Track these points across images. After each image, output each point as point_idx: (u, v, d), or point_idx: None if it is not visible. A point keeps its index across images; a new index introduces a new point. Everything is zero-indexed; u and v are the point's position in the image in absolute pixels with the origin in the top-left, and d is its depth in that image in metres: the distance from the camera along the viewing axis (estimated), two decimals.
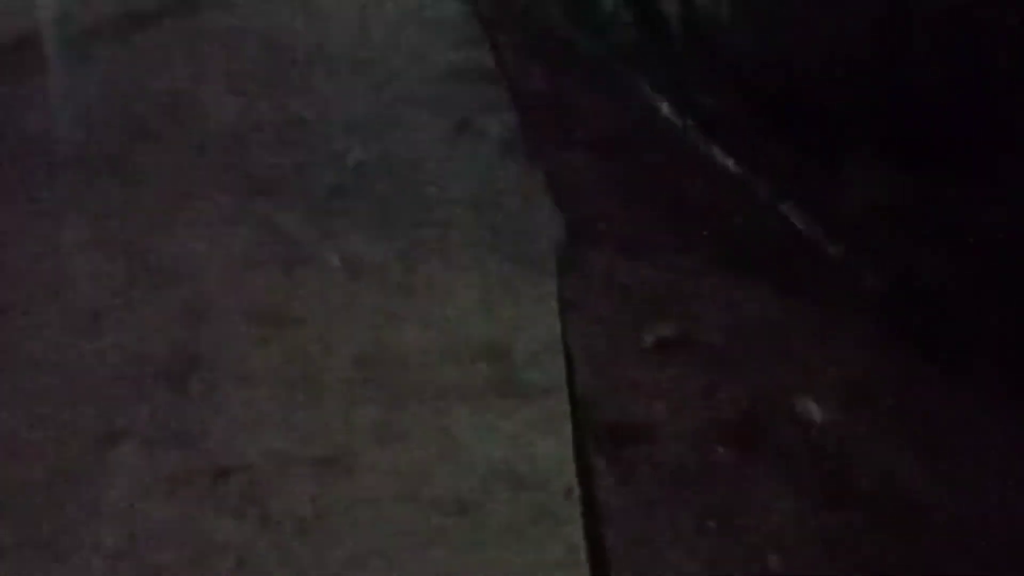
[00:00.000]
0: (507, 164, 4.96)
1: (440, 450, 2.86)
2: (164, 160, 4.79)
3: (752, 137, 4.73)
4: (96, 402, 3.02)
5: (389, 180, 4.69)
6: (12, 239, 3.97)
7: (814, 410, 3.14)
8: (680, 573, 2.53)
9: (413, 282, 3.77)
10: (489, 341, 3.40)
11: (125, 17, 7.12)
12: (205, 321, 3.46)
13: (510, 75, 6.33)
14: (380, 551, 2.50)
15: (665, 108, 5.62)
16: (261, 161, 4.82)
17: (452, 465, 2.81)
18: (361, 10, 7.69)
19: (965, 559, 2.60)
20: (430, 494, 2.69)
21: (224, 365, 3.23)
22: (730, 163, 4.87)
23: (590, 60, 6.55)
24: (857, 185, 3.91)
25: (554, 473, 2.78)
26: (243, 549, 2.49)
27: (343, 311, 3.57)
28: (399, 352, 3.33)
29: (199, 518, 2.59)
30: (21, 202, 4.29)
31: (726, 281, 3.91)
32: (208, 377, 3.16)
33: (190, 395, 3.08)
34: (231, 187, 4.51)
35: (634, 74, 6.07)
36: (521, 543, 2.54)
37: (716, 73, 5.27)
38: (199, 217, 4.21)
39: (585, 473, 2.81)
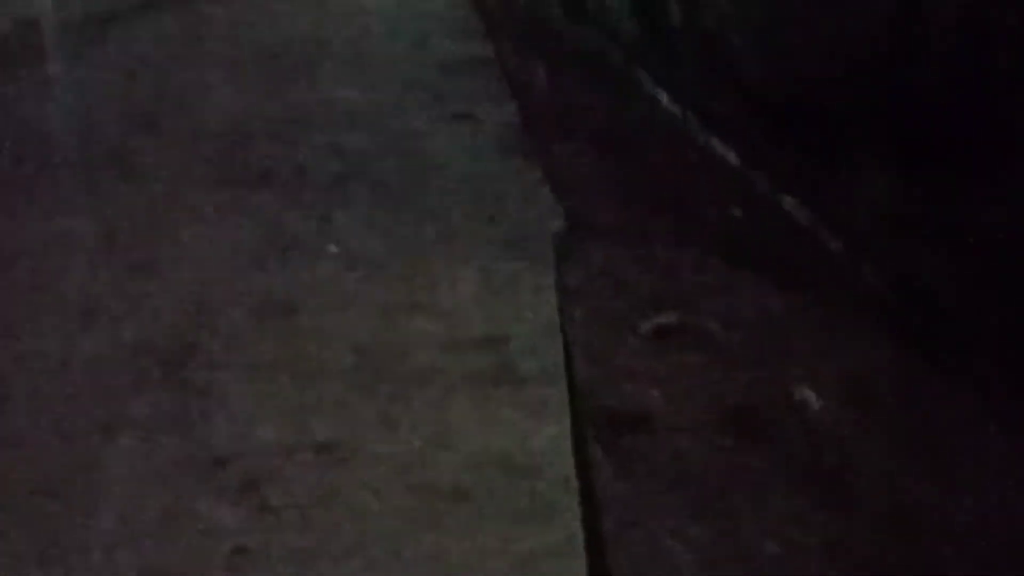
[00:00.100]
0: (506, 155, 4.96)
1: (438, 439, 2.87)
2: (163, 151, 4.80)
3: (753, 131, 4.73)
4: (95, 392, 3.03)
5: (388, 171, 4.70)
6: (10, 232, 3.98)
7: (813, 401, 3.14)
8: (677, 562, 2.53)
9: (412, 272, 3.78)
10: (488, 331, 3.41)
11: (124, 8, 7.13)
12: (204, 312, 3.46)
13: (510, 67, 6.33)
14: (378, 539, 2.50)
15: (665, 101, 5.62)
16: (260, 153, 4.83)
17: (450, 454, 2.81)
18: (362, 3, 7.69)
19: (963, 557, 2.59)
20: (428, 482, 2.69)
21: (223, 355, 3.24)
22: (730, 156, 4.87)
23: (590, 53, 6.55)
24: (858, 183, 3.91)
25: (552, 462, 2.78)
26: (242, 537, 2.50)
27: (342, 301, 3.57)
28: (398, 342, 3.33)
29: (198, 507, 2.59)
30: (19, 194, 4.30)
31: (725, 273, 3.91)
32: (207, 367, 3.17)
33: (189, 385, 3.08)
34: (230, 178, 4.52)
35: (634, 67, 6.07)
36: (519, 531, 2.54)
37: (717, 68, 5.26)
38: (198, 208, 4.22)
39: (583, 462, 2.81)
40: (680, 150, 5.11)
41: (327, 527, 2.53)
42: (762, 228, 4.24)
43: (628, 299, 3.66)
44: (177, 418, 2.92)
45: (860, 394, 3.20)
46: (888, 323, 3.52)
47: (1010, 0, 3.18)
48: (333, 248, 3.90)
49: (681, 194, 4.60)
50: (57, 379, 3.09)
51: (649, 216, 4.41)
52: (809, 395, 3.16)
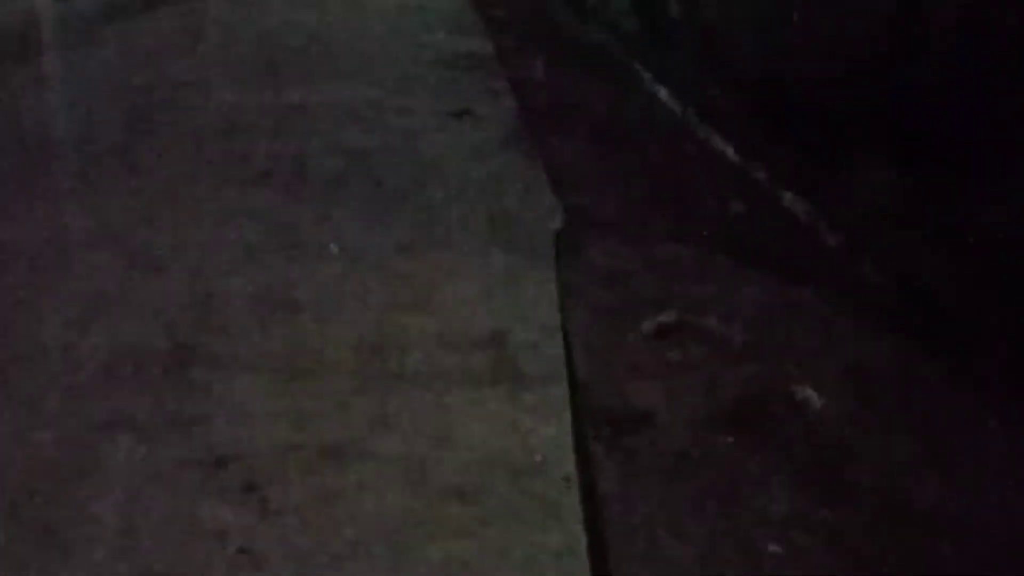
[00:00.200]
0: (507, 152, 4.97)
1: (440, 437, 2.86)
2: (164, 149, 4.80)
3: (752, 127, 4.73)
4: (96, 392, 3.02)
5: (388, 168, 4.70)
6: (12, 229, 3.98)
7: (813, 398, 3.14)
8: (678, 560, 2.53)
9: (412, 270, 3.78)
10: (488, 329, 3.41)
11: (124, 6, 7.12)
12: (205, 309, 3.46)
13: (510, 64, 6.34)
14: (379, 539, 2.50)
15: (665, 97, 5.62)
16: (261, 150, 4.83)
17: (452, 452, 2.81)
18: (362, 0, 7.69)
19: (963, 554, 2.60)
20: (430, 481, 2.69)
21: (224, 353, 3.24)
22: (730, 151, 4.87)
23: (590, 49, 6.55)
24: (858, 180, 3.91)
25: (553, 460, 2.79)
26: (244, 537, 2.49)
27: (343, 299, 3.57)
28: (399, 340, 3.33)
29: (200, 506, 2.59)
30: (22, 191, 4.30)
31: (726, 269, 3.91)
32: (208, 365, 3.17)
33: (190, 384, 3.08)
34: (231, 175, 4.52)
35: (634, 63, 6.08)
36: (520, 530, 2.54)
37: (717, 63, 5.26)
38: (199, 205, 4.22)
39: (584, 460, 2.81)
40: (680, 146, 5.12)
41: (328, 527, 2.53)
42: (762, 224, 4.25)
43: (628, 297, 3.66)
44: (178, 418, 2.91)
45: (861, 391, 3.20)
46: (888, 320, 3.52)
47: (1010, 0, 3.18)
48: (333, 247, 3.90)
49: (681, 190, 4.61)
50: (58, 378, 3.08)
51: (649, 213, 4.41)
52: (810, 393, 3.16)
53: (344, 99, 5.58)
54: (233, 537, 2.49)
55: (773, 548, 2.57)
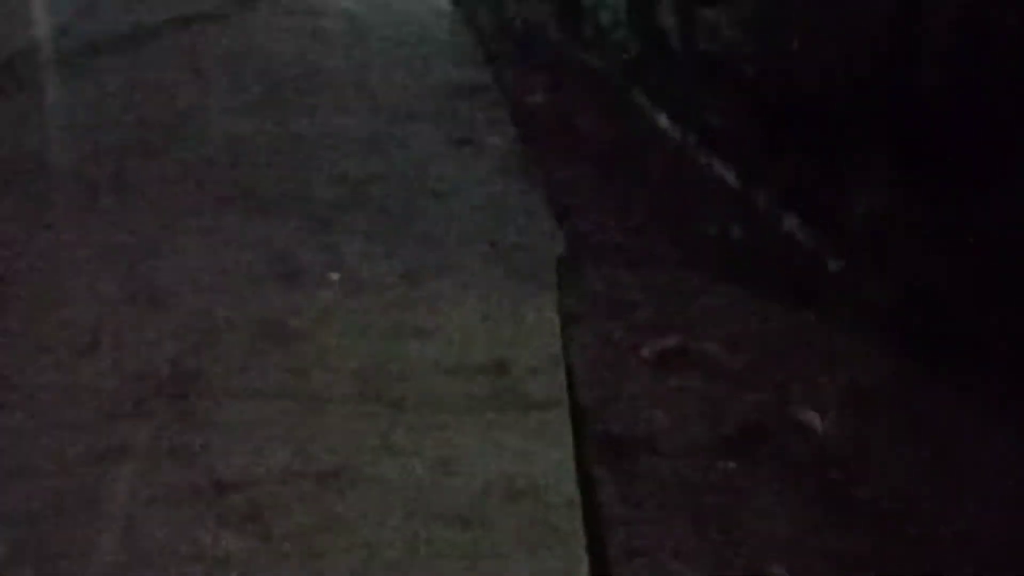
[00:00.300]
0: (507, 179, 4.97)
1: (442, 464, 2.86)
2: (164, 177, 4.80)
3: (753, 149, 4.73)
4: (97, 420, 3.01)
5: (389, 196, 4.70)
6: (12, 257, 3.97)
7: (816, 421, 3.13)
8: None
9: (414, 297, 3.78)
10: (490, 355, 3.40)
11: (125, 35, 7.15)
12: (206, 338, 3.46)
13: (509, 91, 6.35)
14: (382, 566, 2.50)
15: (665, 122, 5.63)
16: (261, 178, 4.84)
17: (454, 479, 2.80)
18: (361, 29, 7.71)
19: (970, 572, 2.59)
20: (432, 508, 2.68)
21: (225, 381, 3.23)
22: (730, 175, 4.87)
23: (589, 74, 6.56)
24: (859, 197, 3.91)
25: (556, 485, 2.78)
26: (245, 565, 2.49)
27: (344, 327, 3.57)
28: (400, 367, 3.33)
29: (200, 534, 2.58)
30: (21, 220, 4.30)
31: (728, 293, 3.91)
32: (209, 393, 3.16)
33: (191, 411, 3.07)
34: (231, 204, 4.52)
35: (634, 89, 6.08)
36: (523, 556, 2.54)
37: (716, 85, 5.27)
38: (199, 234, 4.22)
39: (587, 485, 2.81)
40: (680, 171, 5.12)
41: (330, 555, 2.52)
42: (763, 249, 4.24)
43: (630, 322, 3.66)
44: (179, 446, 2.90)
45: (863, 413, 3.19)
46: (890, 341, 3.51)
47: (1010, 0, 3.18)
48: (334, 274, 3.90)
49: (682, 215, 4.61)
50: (58, 407, 3.07)
51: (650, 238, 4.41)
52: (812, 415, 3.15)
53: (345, 128, 5.59)
54: (234, 565, 2.48)
55: (776, 570, 2.56)
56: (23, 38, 6.85)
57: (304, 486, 2.75)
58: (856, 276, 3.85)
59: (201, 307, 3.65)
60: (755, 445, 3.02)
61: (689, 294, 3.91)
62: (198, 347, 3.40)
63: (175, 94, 5.98)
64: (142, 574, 2.46)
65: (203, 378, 3.24)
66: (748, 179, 4.71)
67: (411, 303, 3.73)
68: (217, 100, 5.89)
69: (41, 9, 7.45)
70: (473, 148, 5.37)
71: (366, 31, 7.63)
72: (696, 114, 5.32)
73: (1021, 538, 2.70)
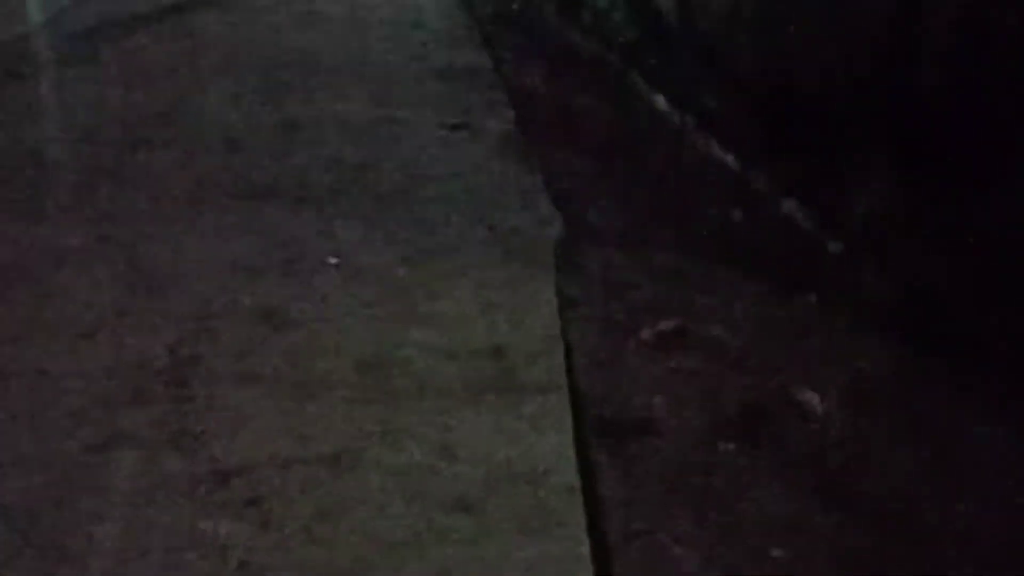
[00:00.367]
0: (505, 163, 4.97)
1: (441, 449, 2.86)
2: (161, 165, 4.80)
3: (752, 134, 4.73)
4: (96, 407, 3.02)
5: (387, 182, 4.70)
6: (9, 247, 3.97)
7: (815, 405, 3.14)
8: (682, 568, 2.52)
9: (412, 282, 3.78)
10: (489, 340, 3.41)
11: (120, 22, 7.13)
12: (204, 324, 3.46)
13: (507, 75, 6.34)
14: (382, 552, 2.50)
15: (663, 105, 5.62)
16: (258, 164, 4.83)
17: (453, 464, 2.81)
18: (358, 13, 7.70)
19: (966, 559, 2.59)
20: (432, 493, 2.69)
21: (224, 368, 3.23)
22: (729, 160, 4.87)
23: (587, 59, 6.55)
24: (859, 184, 3.91)
25: (555, 470, 2.78)
26: (246, 551, 2.49)
27: (343, 312, 3.57)
28: (399, 353, 3.33)
29: (201, 521, 2.58)
30: (17, 210, 4.29)
31: (726, 277, 3.91)
32: (208, 380, 3.16)
33: (190, 398, 3.07)
34: (229, 191, 4.52)
35: (632, 72, 6.07)
36: (524, 540, 2.54)
37: (714, 70, 5.26)
38: (197, 221, 4.22)
39: (586, 469, 2.81)
40: (679, 155, 5.11)
41: (330, 540, 2.53)
42: (763, 232, 4.24)
43: (629, 305, 3.66)
44: (179, 434, 2.91)
45: (863, 397, 3.20)
46: (890, 325, 3.51)
47: (1010, 0, 3.18)
48: (333, 260, 3.90)
49: (681, 198, 4.61)
50: (58, 395, 3.08)
51: (649, 221, 4.41)
52: (812, 398, 3.16)
53: (343, 113, 5.58)
54: (234, 552, 2.49)
55: (776, 553, 2.56)
56: (17, 27, 6.83)
57: (304, 472, 2.76)
58: (855, 262, 3.85)
59: (200, 294, 3.65)
60: (755, 428, 3.03)
61: (688, 277, 3.91)
62: (197, 334, 3.40)
63: (171, 82, 5.96)
64: (143, 563, 2.46)
65: (202, 365, 3.24)
66: (747, 163, 4.71)
67: (410, 288, 3.73)
68: (213, 88, 5.88)
69: None
70: (471, 132, 5.36)
71: (363, 16, 7.61)
72: (695, 97, 5.31)
73: (1017, 521, 2.70)
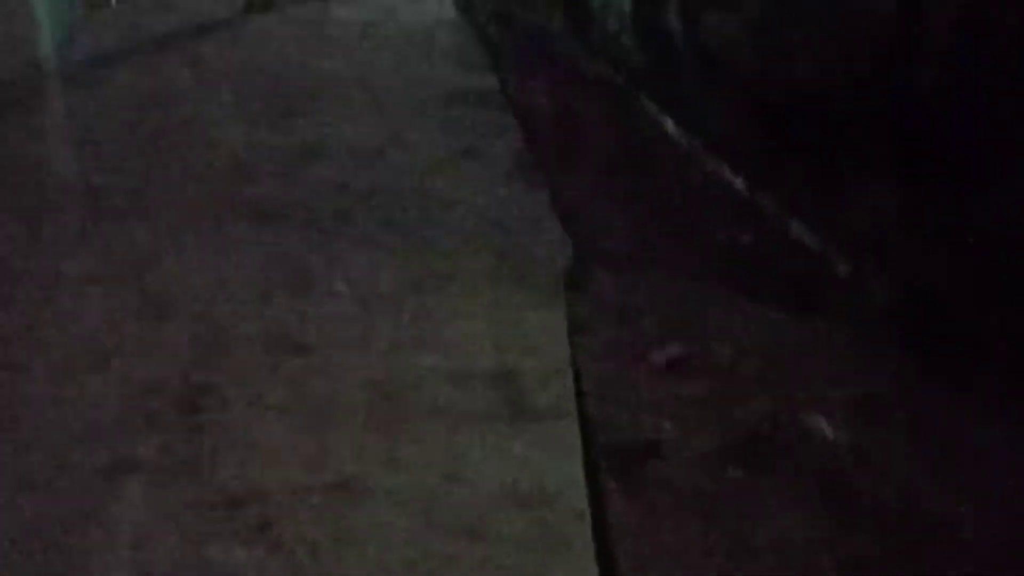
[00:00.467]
0: (513, 186, 4.98)
1: (451, 474, 2.86)
2: (171, 189, 4.82)
3: (759, 154, 4.73)
4: (106, 433, 3.02)
5: (396, 205, 4.71)
6: (20, 271, 3.99)
7: (825, 428, 3.13)
8: None
9: (421, 307, 3.78)
10: (498, 365, 3.41)
11: (130, 47, 7.17)
12: (214, 350, 3.46)
13: (515, 98, 6.36)
14: None
15: (671, 128, 5.63)
16: (268, 189, 4.85)
17: (463, 489, 2.80)
18: (366, 38, 7.73)
19: (967, 560, 2.59)
20: (441, 519, 2.69)
21: (234, 394, 3.23)
22: (737, 181, 4.88)
23: (596, 82, 6.57)
24: (864, 201, 3.91)
25: (564, 495, 2.78)
26: None
27: (352, 337, 3.58)
28: (408, 378, 3.33)
29: (211, 549, 2.58)
30: (29, 234, 4.31)
31: (735, 300, 3.91)
32: (218, 406, 3.17)
33: (200, 425, 3.08)
34: (238, 215, 4.54)
35: (640, 95, 6.09)
36: (532, 566, 2.53)
37: (721, 91, 5.27)
38: (207, 246, 4.23)
39: (595, 494, 2.81)
40: (687, 178, 5.12)
41: (340, 566, 2.53)
42: (771, 255, 4.24)
43: (637, 330, 3.67)
44: (189, 459, 2.91)
45: (872, 420, 3.19)
46: (897, 339, 3.51)
47: (1010, 0, 3.19)
48: (341, 285, 3.91)
49: (689, 221, 4.61)
50: (67, 420, 3.08)
51: (657, 245, 4.42)
52: (820, 421, 3.15)
53: (352, 138, 5.61)
54: None
55: None
56: (27, 53, 6.87)
57: (314, 498, 2.76)
58: (863, 282, 3.85)
59: (209, 319, 3.66)
60: (764, 453, 3.02)
61: (697, 301, 3.91)
62: (207, 359, 3.41)
63: (180, 107, 5.99)
64: None
65: (213, 390, 3.24)
66: (755, 185, 4.72)
67: (418, 313, 3.74)
68: (223, 112, 5.91)
69: (46, 19, 7.47)
70: (479, 156, 5.38)
71: (373, 40, 7.64)
72: (702, 119, 5.32)
73: (1021, 538, 2.70)
